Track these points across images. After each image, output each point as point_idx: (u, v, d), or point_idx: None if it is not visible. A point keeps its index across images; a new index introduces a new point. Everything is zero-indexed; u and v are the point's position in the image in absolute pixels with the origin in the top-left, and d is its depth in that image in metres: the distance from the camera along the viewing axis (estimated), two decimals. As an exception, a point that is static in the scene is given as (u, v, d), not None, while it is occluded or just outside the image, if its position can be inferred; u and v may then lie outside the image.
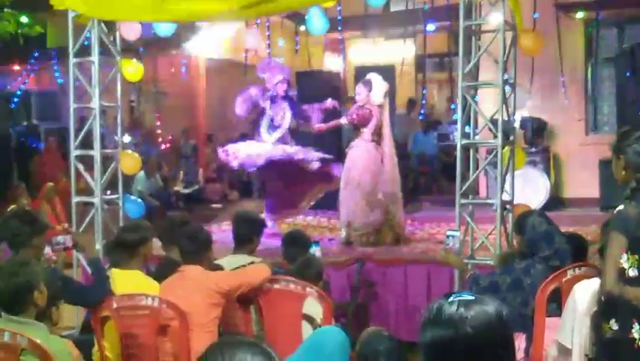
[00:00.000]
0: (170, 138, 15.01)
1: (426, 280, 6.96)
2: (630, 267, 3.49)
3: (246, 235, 5.55)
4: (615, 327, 3.54)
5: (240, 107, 8.85)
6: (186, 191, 12.83)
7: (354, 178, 8.02)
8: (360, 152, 8.08)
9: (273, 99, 8.78)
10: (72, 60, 7.08)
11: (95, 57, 6.99)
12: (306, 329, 4.65)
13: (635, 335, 3.47)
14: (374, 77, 8.27)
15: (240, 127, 15.46)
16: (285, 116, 8.73)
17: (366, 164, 8.03)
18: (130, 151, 7.66)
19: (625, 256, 3.48)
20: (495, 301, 2.00)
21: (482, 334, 1.93)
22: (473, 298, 1.99)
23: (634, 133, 3.66)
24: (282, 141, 8.71)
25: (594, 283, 3.86)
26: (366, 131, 8.07)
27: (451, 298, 1.99)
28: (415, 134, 13.84)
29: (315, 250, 5.79)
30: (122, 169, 7.30)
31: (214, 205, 12.85)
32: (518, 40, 6.26)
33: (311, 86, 11.27)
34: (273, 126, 8.76)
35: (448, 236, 5.31)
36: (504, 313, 1.98)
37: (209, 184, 13.61)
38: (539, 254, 4.59)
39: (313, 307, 4.72)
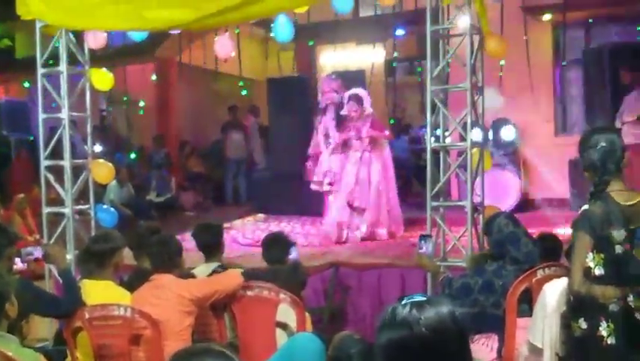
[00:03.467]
0: (142, 146, 14.95)
1: (400, 284, 6.99)
2: (596, 266, 3.54)
3: (212, 243, 5.60)
4: (584, 326, 3.59)
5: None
6: (158, 200, 12.77)
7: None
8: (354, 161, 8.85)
9: (324, 111, 9.24)
10: (40, 70, 7.04)
11: (63, 67, 6.95)
12: (281, 336, 4.66)
13: (603, 333, 3.53)
14: (359, 91, 8.84)
15: (213, 134, 15.47)
16: (334, 126, 9.15)
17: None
18: (102, 160, 7.62)
19: (591, 255, 3.54)
20: (447, 302, 2.05)
21: (436, 333, 1.97)
22: (425, 299, 2.03)
23: (592, 136, 3.73)
24: (337, 150, 9.09)
25: (563, 283, 3.91)
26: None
27: (404, 301, 2.03)
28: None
29: (293, 252, 5.83)
30: (94, 178, 7.26)
31: (188, 213, 12.80)
32: (484, 43, 6.33)
33: (282, 92, 11.29)
34: (327, 137, 9.21)
35: (421, 240, 5.34)
36: (457, 313, 2.02)
37: (182, 192, 13.55)
38: (506, 256, 4.65)
39: (287, 313, 4.73)
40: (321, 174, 9.16)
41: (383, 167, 8.99)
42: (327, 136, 9.19)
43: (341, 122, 9.09)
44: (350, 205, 8.85)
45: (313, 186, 9.25)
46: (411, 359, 2.00)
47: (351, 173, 8.86)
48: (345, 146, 8.97)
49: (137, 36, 7.50)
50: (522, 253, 4.62)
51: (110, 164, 7.60)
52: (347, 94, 8.98)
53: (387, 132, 9.21)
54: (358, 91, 9.04)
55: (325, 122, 9.20)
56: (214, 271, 5.23)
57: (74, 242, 6.96)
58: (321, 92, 9.36)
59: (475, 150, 6.23)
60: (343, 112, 8.92)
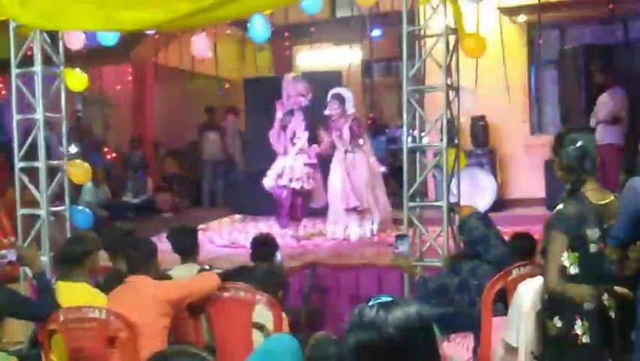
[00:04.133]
0: (118, 147, 14.85)
1: (377, 284, 7.01)
2: (571, 265, 3.57)
3: (187, 246, 5.62)
4: (559, 324, 3.62)
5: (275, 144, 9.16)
6: (135, 201, 12.70)
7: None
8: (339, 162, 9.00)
9: (291, 113, 9.03)
10: (14, 71, 6.97)
11: (37, 68, 6.89)
12: (257, 337, 4.64)
13: (578, 331, 3.56)
14: (343, 91, 8.76)
15: (189, 135, 15.42)
16: (303, 128, 9.04)
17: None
18: (79, 161, 7.57)
19: (566, 254, 3.56)
20: (414, 302, 2.06)
21: (404, 333, 1.98)
22: (392, 300, 2.04)
23: (568, 136, 3.76)
24: (302, 152, 8.99)
25: (538, 282, 3.93)
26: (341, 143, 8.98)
27: (370, 302, 2.04)
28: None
29: (277, 254, 5.90)
30: (70, 179, 7.21)
31: (165, 215, 12.74)
32: (462, 43, 6.35)
33: (259, 92, 11.26)
34: (294, 137, 9.03)
35: (397, 239, 5.35)
36: (424, 312, 2.03)
37: (159, 194, 13.47)
38: (480, 256, 4.67)
39: (264, 314, 4.72)
40: (274, 174, 8.96)
41: (368, 166, 9.07)
42: (293, 137, 9.06)
43: (324, 126, 9.09)
44: (348, 207, 8.87)
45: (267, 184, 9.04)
46: (379, 360, 2.00)
47: (341, 175, 8.91)
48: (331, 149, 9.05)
49: (107, 40, 7.43)
50: (492, 255, 4.65)
51: (87, 165, 7.55)
52: (330, 93, 8.98)
53: (361, 141, 9.12)
54: (341, 91, 9.06)
55: (293, 124, 9.06)
56: (199, 273, 5.20)
57: (50, 244, 6.91)
58: (287, 95, 9.10)
59: (450, 150, 6.26)
60: (326, 112, 8.93)
